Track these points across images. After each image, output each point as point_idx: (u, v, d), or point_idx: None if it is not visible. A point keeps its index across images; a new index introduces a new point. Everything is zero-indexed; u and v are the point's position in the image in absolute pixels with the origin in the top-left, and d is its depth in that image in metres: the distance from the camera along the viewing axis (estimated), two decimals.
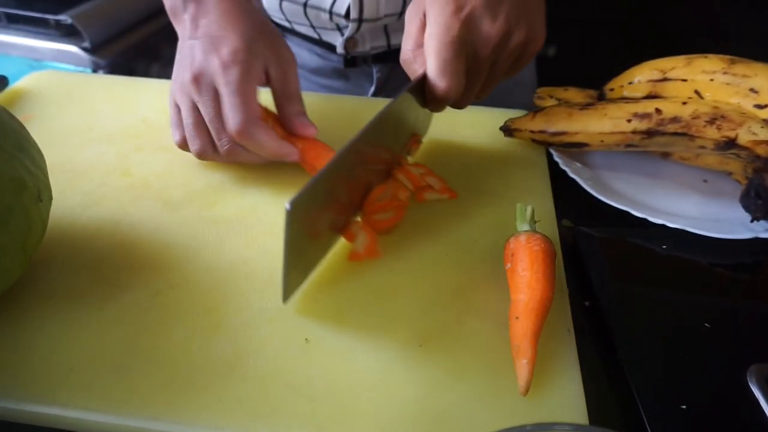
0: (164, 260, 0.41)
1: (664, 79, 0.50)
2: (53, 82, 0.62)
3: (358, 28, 0.63)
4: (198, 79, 0.43)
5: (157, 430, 0.31)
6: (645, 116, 0.47)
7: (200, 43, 0.44)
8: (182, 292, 0.38)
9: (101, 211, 0.45)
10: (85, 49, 0.78)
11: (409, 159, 0.50)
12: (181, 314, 0.37)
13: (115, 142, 0.53)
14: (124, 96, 0.59)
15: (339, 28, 0.65)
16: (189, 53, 0.45)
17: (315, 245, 0.39)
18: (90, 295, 0.38)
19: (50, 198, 0.38)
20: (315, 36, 0.67)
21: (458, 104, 0.46)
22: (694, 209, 0.49)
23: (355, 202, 0.43)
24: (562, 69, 0.64)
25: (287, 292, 0.37)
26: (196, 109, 0.44)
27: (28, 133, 0.39)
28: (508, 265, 0.38)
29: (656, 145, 0.48)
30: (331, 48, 0.67)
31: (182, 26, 0.47)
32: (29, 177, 0.35)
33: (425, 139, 0.54)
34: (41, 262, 0.40)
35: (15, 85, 0.61)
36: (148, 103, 0.58)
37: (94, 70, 0.78)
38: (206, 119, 0.44)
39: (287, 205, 0.32)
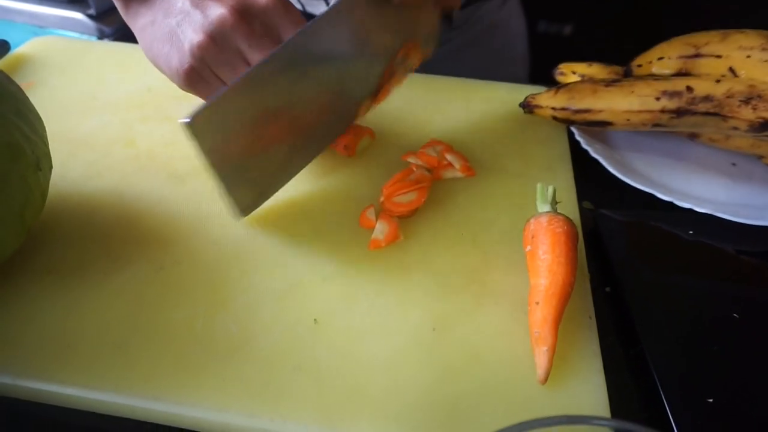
0: (168, 234, 0.39)
1: (697, 55, 0.47)
2: (57, 48, 0.60)
3: None
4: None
5: (158, 410, 0.30)
6: (675, 94, 0.45)
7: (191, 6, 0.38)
8: (186, 267, 0.37)
9: (104, 183, 0.43)
10: (90, 16, 0.75)
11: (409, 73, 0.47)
12: (184, 291, 0.35)
13: (119, 112, 0.51)
14: (129, 64, 0.57)
15: (328, 4, 0.62)
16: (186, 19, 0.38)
17: (267, 161, 0.39)
18: (91, 269, 0.36)
19: (50, 167, 0.37)
20: (299, 7, 0.64)
21: (423, 7, 0.41)
22: (722, 193, 0.47)
23: (333, 116, 0.42)
24: (578, 48, 0.61)
25: (239, 207, 0.38)
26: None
27: (28, 100, 0.37)
28: (528, 247, 0.36)
29: (685, 125, 0.46)
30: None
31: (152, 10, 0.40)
32: (27, 144, 0.34)
33: (440, 111, 0.52)
34: (41, 234, 0.38)
35: (17, 51, 0.59)
36: (153, 72, 0.55)
37: (100, 38, 0.76)
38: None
39: (185, 120, 0.32)
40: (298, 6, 0.65)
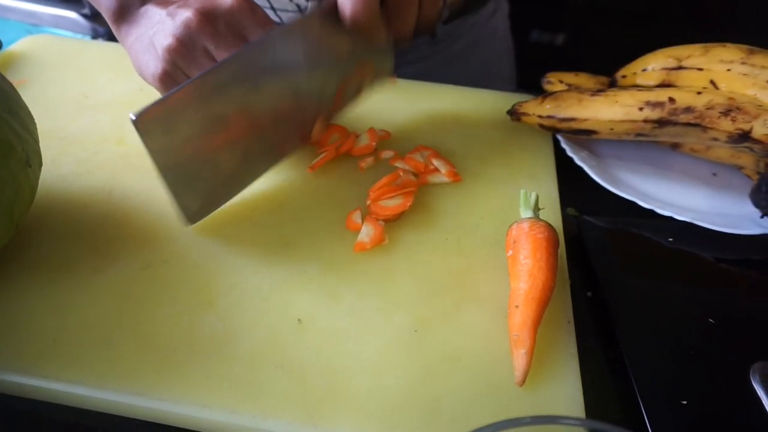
0: (156, 232, 0.39)
1: (679, 68, 0.48)
2: (50, 46, 0.60)
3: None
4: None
5: (142, 406, 0.30)
6: (657, 105, 0.46)
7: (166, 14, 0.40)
8: (173, 266, 0.37)
9: (94, 180, 0.43)
10: (84, 16, 0.76)
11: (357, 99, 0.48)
12: (171, 289, 0.36)
13: (110, 110, 0.51)
14: (122, 64, 0.58)
15: (300, 9, 0.62)
16: (159, 25, 0.40)
17: (217, 169, 0.39)
18: (78, 266, 0.37)
19: (40, 164, 0.37)
20: (276, 19, 0.65)
21: (378, 35, 0.42)
22: (703, 202, 0.48)
23: (287, 130, 0.43)
24: (570, 58, 0.62)
25: (186, 214, 0.38)
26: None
27: (20, 97, 0.38)
28: (510, 252, 0.37)
29: (667, 135, 0.47)
30: None
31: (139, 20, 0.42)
32: (17, 140, 0.34)
33: (429, 117, 0.52)
34: (29, 230, 0.38)
35: (10, 49, 0.59)
36: None
37: (93, 37, 0.76)
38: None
39: (133, 115, 0.32)
40: (276, 18, 0.65)
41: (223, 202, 0.41)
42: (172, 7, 0.40)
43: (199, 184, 0.38)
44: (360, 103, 0.49)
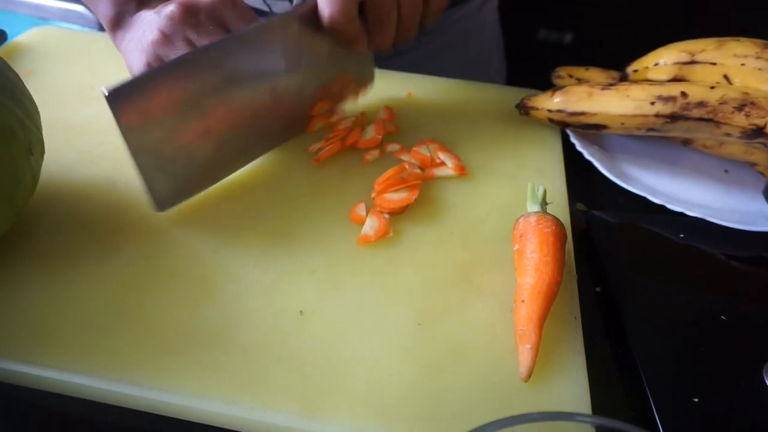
0: (158, 223, 0.39)
1: (692, 62, 0.47)
2: (57, 38, 0.60)
3: None
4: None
5: (140, 396, 0.30)
6: (669, 99, 0.45)
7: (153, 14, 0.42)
8: (175, 257, 0.37)
9: (97, 171, 0.43)
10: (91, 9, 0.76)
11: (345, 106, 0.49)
12: (172, 280, 0.35)
13: None
14: None
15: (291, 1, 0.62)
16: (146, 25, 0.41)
17: (190, 157, 0.39)
18: (80, 255, 0.36)
19: (42, 152, 0.37)
20: (265, 8, 0.65)
21: (357, 44, 0.43)
22: (714, 199, 0.47)
23: (264, 127, 0.43)
24: (578, 57, 0.62)
25: (155, 199, 0.38)
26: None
27: (24, 86, 0.37)
28: (516, 246, 0.36)
29: (679, 130, 0.46)
30: None
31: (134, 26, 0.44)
32: (20, 128, 0.34)
33: (435, 110, 0.52)
34: (32, 219, 0.38)
35: (16, 39, 0.59)
36: None
37: (100, 30, 0.76)
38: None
39: (106, 90, 0.32)
40: (265, 8, 0.64)
41: (196, 192, 0.41)
42: (160, 6, 0.41)
43: (171, 170, 0.38)
44: (340, 113, 0.50)
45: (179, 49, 0.39)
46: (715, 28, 0.51)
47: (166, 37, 0.39)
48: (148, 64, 0.40)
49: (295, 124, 0.47)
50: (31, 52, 0.57)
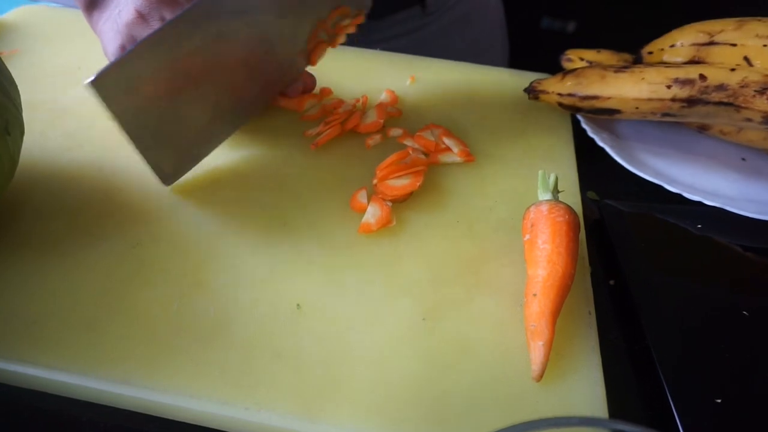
0: (148, 209, 0.37)
1: (711, 43, 0.45)
2: (43, 17, 0.58)
3: None
4: None
5: (127, 395, 0.28)
6: (687, 82, 0.42)
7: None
8: (165, 245, 0.35)
9: (84, 155, 0.41)
10: None
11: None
12: (161, 269, 0.33)
13: None
14: None
15: None
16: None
17: (187, 124, 0.37)
18: (63, 243, 0.34)
19: (22, 133, 0.34)
20: None
21: None
22: (732, 188, 0.45)
23: (260, 81, 0.41)
24: (581, 47, 0.59)
25: (160, 175, 0.37)
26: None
27: (3, 64, 0.35)
28: (527, 236, 0.34)
29: (696, 115, 0.44)
30: None
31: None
32: None
33: (440, 94, 0.50)
34: (12, 205, 0.36)
35: (2, 18, 0.56)
36: None
37: None
38: None
39: (89, 79, 0.31)
40: None
41: (200, 159, 0.40)
42: None
43: (171, 143, 0.37)
44: (336, 45, 0.46)
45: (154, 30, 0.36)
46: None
47: (142, 17, 0.36)
48: (123, 47, 0.37)
49: (291, 70, 0.45)
50: (17, 31, 0.55)
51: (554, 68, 0.53)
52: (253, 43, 0.39)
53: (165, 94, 0.35)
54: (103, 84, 0.32)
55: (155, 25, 0.37)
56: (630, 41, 0.52)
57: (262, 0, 0.38)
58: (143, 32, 0.37)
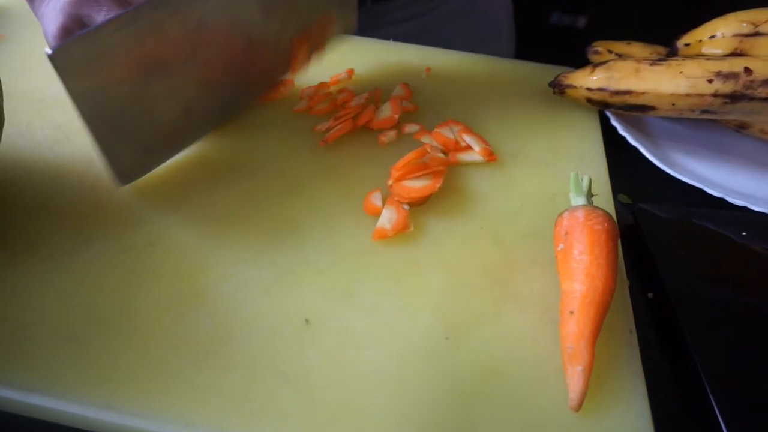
0: (141, 210, 0.34)
1: (756, 34, 0.42)
2: None
3: None
4: None
5: (113, 422, 0.25)
6: (731, 76, 0.39)
7: None
8: (159, 250, 0.32)
9: (72, 148, 0.38)
10: None
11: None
12: (155, 277, 0.30)
13: None
14: None
15: None
16: None
17: (154, 120, 0.34)
18: (47, 247, 0.31)
19: (1, 122, 0.31)
20: None
21: None
22: None
23: (239, 82, 0.39)
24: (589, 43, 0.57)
25: (116, 171, 0.33)
26: None
27: None
28: (561, 246, 0.31)
29: (739, 112, 0.40)
30: None
31: None
32: None
33: (460, 89, 0.46)
34: None
35: None
36: None
37: None
38: None
39: (49, 51, 0.28)
40: None
41: (163, 160, 0.37)
42: None
43: (133, 138, 0.34)
44: (319, 59, 0.44)
45: (104, 8, 0.33)
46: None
47: None
48: (65, 28, 0.33)
49: (272, 77, 0.42)
50: (4, 16, 0.51)
51: (562, 64, 0.50)
52: (235, 41, 0.36)
53: (132, 81, 0.32)
54: (64, 57, 0.28)
55: (104, 1, 0.33)
56: (644, 38, 0.49)
57: (246, 4, 0.35)
58: (91, 10, 0.33)
